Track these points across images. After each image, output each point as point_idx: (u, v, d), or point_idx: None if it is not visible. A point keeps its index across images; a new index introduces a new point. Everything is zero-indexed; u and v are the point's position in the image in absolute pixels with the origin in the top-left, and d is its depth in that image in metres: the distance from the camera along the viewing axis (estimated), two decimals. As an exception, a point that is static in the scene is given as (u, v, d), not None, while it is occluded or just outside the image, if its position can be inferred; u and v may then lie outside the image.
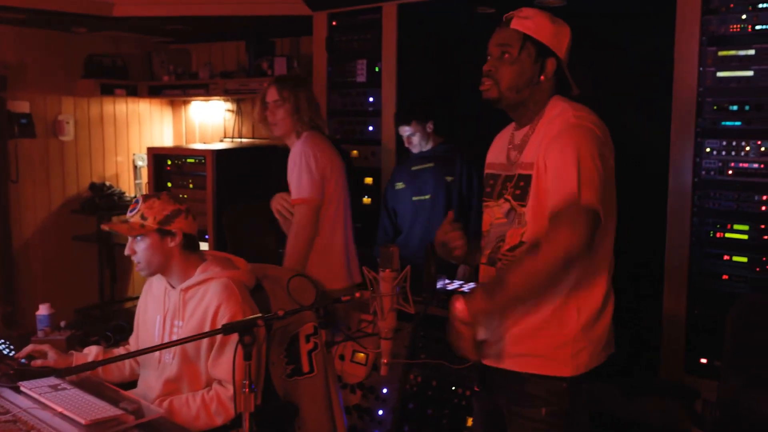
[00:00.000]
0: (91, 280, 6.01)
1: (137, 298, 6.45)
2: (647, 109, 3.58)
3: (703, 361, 3.23)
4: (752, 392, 2.43)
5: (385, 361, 1.90)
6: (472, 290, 1.95)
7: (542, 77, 2.05)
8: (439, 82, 4.44)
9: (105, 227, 2.52)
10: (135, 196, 6.12)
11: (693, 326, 3.25)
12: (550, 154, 1.95)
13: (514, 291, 1.88)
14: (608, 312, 2.07)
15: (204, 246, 5.01)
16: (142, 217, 2.38)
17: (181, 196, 5.23)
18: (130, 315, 6.00)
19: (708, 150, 3.20)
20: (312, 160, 3.30)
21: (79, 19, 4.98)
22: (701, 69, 3.18)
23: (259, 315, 1.86)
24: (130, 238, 2.41)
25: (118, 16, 4.75)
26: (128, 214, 2.41)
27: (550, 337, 1.99)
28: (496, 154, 2.23)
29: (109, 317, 5.85)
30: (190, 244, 2.41)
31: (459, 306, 1.88)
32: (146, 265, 2.41)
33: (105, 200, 5.87)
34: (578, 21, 3.98)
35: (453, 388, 3.03)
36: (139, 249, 2.40)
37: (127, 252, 2.42)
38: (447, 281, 3.46)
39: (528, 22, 2.03)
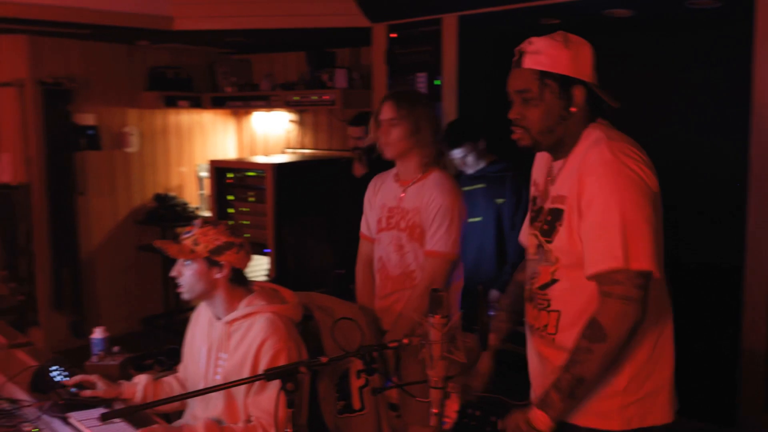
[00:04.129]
0: (155, 289, 6.09)
1: (199, 308, 6.45)
2: (721, 127, 3.37)
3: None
4: None
5: (435, 411, 1.79)
6: (542, 397, 1.81)
7: (572, 109, 1.86)
8: (500, 95, 4.30)
9: (157, 244, 2.46)
10: (198, 207, 6.18)
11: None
12: (588, 198, 1.78)
13: (593, 382, 1.78)
14: (665, 362, 1.89)
15: (263, 260, 5.00)
16: (195, 243, 2.33)
17: (241, 209, 5.24)
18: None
19: (790, 170, 2.99)
20: (464, 215, 2.81)
21: (140, 33, 5.03)
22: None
23: (302, 362, 1.78)
24: (178, 260, 2.36)
25: (179, 29, 4.77)
26: (183, 236, 2.37)
27: (599, 384, 1.83)
28: (539, 172, 2.07)
29: (173, 327, 5.92)
30: (237, 278, 2.35)
31: (541, 418, 1.78)
32: (189, 290, 2.36)
33: (169, 211, 5.94)
34: (646, 32, 3.81)
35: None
36: (185, 273, 2.35)
37: (172, 273, 2.37)
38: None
39: (541, 57, 1.84)
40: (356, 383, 2.44)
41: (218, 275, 2.32)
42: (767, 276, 3.05)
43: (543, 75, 1.84)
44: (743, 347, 3.13)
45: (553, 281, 1.89)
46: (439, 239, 2.72)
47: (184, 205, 6.08)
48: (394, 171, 2.94)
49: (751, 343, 3.10)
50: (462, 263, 2.88)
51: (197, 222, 2.37)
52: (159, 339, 5.55)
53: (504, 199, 3.71)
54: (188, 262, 2.33)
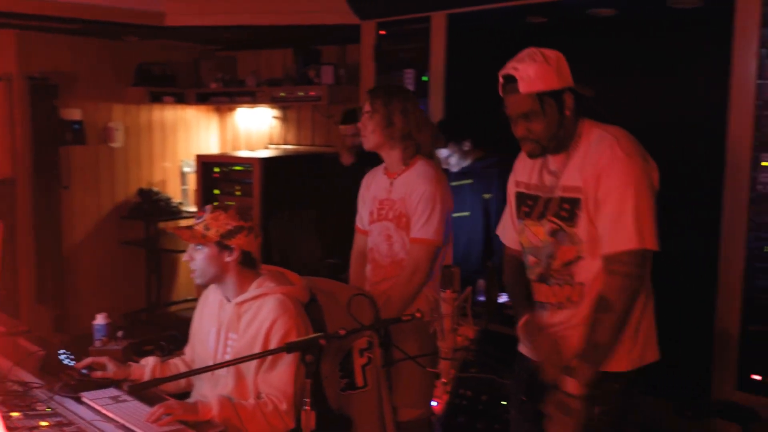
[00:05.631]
0: (138, 284, 6.12)
1: (183, 302, 6.57)
2: (702, 122, 3.53)
3: (757, 377, 3.17)
4: None
5: (445, 380, 1.91)
6: (567, 368, 2.10)
7: (567, 112, 2.17)
8: (487, 92, 4.42)
9: (170, 228, 2.60)
10: (181, 202, 6.22)
11: (746, 342, 3.19)
12: (605, 192, 2.09)
13: (608, 346, 2.10)
14: (650, 312, 2.24)
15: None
16: (206, 228, 2.41)
17: (227, 203, 5.30)
18: (176, 319, 6.12)
19: (764, 164, 3.14)
20: (448, 203, 2.92)
21: (130, 29, 5.07)
22: (760, 81, 3.12)
23: (321, 334, 1.87)
24: (190, 245, 2.44)
25: (170, 25, 4.82)
26: (194, 221, 2.46)
27: None
28: (527, 174, 2.33)
29: (155, 321, 5.96)
30: (247, 261, 2.44)
31: (572, 384, 2.06)
32: (201, 274, 2.44)
33: (152, 206, 5.97)
34: (629, 31, 3.95)
35: (503, 402, 3.02)
36: (197, 257, 2.43)
37: (185, 258, 2.46)
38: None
39: (533, 80, 2.11)
40: (359, 361, 2.54)
41: (229, 258, 2.40)
42: (740, 263, 3.20)
43: (541, 95, 2.13)
44: (716, 331, 3.28)
45: (578, 258, 2.17)
46: (422, 226, 2.85)
47: (168, 200, 6.12)
48: (383, 165, 3.07)
49: (723, 327, 3.25)
50: (452, 250, 3.00)
51: (208, 208, 2.45)
52: (141, 334, 5.56)
53: (491, 194, 3.83)
54: (200, 246, 2.41)
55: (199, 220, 2.42)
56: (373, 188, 3.07)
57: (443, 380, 1.91)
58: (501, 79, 2.19)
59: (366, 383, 2.55)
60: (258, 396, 2.32)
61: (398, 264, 2.93)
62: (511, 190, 2.41)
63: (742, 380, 3.21)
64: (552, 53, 2.16)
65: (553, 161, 2.24)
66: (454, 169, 3.91)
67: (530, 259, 2.29)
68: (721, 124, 3.24)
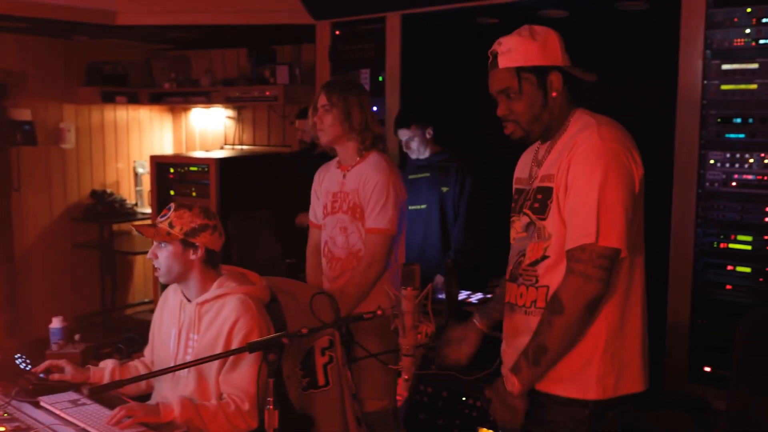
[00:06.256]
0: (92, 287, 6.02)
1: (139, 304, 6.47)
2: (652, 121, 3.62)
3: (707, 369, 3.27)
4: (762, 403, 2.44)
5: (407, 377, 1.93)
6: (514, 365, 1.96)
7: (553, 94, 2.00)
8: (442, 92, 4.48)
9: (134, 226, 2.56)
10: (135, 203, 6.15)
11: (697, 335, 3.29)
12: (573, 178, 1.91)
13: (556, 351, 1.91)
14: (634, 335, 2.00)
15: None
16: (170, 225, 2.40)
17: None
18: (132, 322, 6.03)
19: (712, 162, 3.24)
20: (401, 193, 2.95)
21: (80, 27, 4.98)
22: (705, 82, 3.22)
23: (283, 333, 1.89)
24: (154, 243, 2.43)
25: (122, 24, 4.76)
26: (158, 219, 2.45)
27: (576, 356, 1.95)
28: (521, 169, 2.19)
29: (110, 324, 5.88)
30: (211, 259, 2.44)
31: (513, 382, 1.93)
32: (165, 272, 2.44)
33: (106, 207, 5.88)
34: (580, 34, 4.04)
35: (463, 398, 3.06)
36: (161, 255, 2.42)
37: (149, 256, 2.44)
38: (468, 294, 3.46)
39: (513, 54, 1.98)
40: (321, 360, 2.56)
41: (193, 257, 2.40)
42: (690, 258, 3.29)
43: (519, 70, 1.97)
44: (668, 324, 3.37)
45: (544, 257, 1.98)
46: (377, 216, 2.88)
47: (122, 201, 6.03)
48: (336, 159, 3.09)
49: (675, 320, 3.33)
50: (404, 242, 3.04)
51: (172, 205, 2.44)
52: (95, 337, 5.49)
53: (448, 188, 3.87)
54: (164, 244, 2.40)
55: (164, 218, 2.42)
56: (326, 182, 3.10)
57: (405, 377, 1.93)
58: (490, 57, 2.04)
59: (328, 382, 2.57)
60: (220, 396, 2.32)
61: (355, 255, 2.96)
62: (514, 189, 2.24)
63: (694, 372, 3.29)
64: (542, 29, 2.01)
65: (541, 150, 2.09)
66: (414, 155, 3.94)
67: (510, 255, 2.14)
68: (670, 122, 3.34)
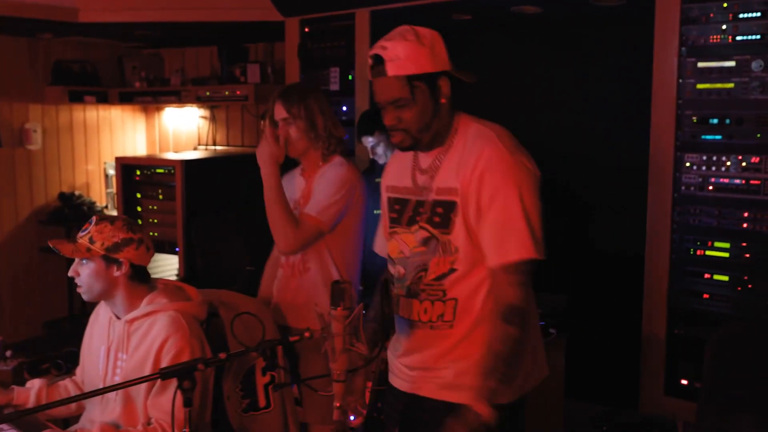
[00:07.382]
0: (59, 292, 5.85)
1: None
2: (626, 121, 3.47)
3: (684, 382, 3.13)
4: (732, 418, 2.36)
5: (338, 404, 1.76)
6: (481, 392, 1.82)
7: (442, 100, 1.94)
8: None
9: (50, 243, 2.32)
10: (106, 205, 5.97)
11: (673, 347, 3.16)
12: (491, 194, 1.87)
13: (515, 362, 1.87)
14: (533, 328, 2.03)
15: (174, 259, 4.87)
16: (90, 241, 2.24)
17: (150, 207, 5.09)
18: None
19: (688, 164, 3.09)
20: (355, 198, 2.77)
21: (43, 25, 4.81)
22: (680, 80, 3.07)
23: (199, 359, 1.72)
24: (75, 260, 2.27)
25: (84, 22, 4.58)
26: (79, 234, 2.28)
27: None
28: (397, 176, 2.10)
29: (79, 331, 5.69)
30: (138, 275, 2.27)
31: (484, 410, 1.78)
32: (87, 290, 2.28)
33: (74, 210, 5.70)
34: (554, 29, 3.90)
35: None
36: (82, 272, 2.27)
37: (70, 273, 2.28)
38: None
39: (402, 62, 1.87)
40: (261, 381, 2.39)
41: (117, 273, 2.24)
42: (665, 265, 3.15)
43: (410, 79, 1.88)
44: (643, 335, 3.22)
45: (452, 270, 1.94)
46: (315, 205, 2.68)
47: (91, 204, 5.85)
48: (300, 166, 2.92)
49: (650, 331, 3.20)
50: (359, 253, 2.85)
51: (93, 219, 2.28)
52: (63, 343, 5.32)
53: None
54: (85, 261, 2.24)
55: (84, 233, 2.25)
56: (290, 190, 2.92)
57: (336, 404, 1.76)
58: (369, 60, 1.93)
59: (269, 404, 2.40)
60: (148, 422, 2.16)
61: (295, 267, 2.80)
62: (384, 197, 2.16)
63: (670, 385, 3.16)
64: (427, 32, 1.91)
65: (424, 158, 2.01)
66: (381, 160, 3.78)
67: (399, 270, 2.04)
68: (646, 123, 3.18)
